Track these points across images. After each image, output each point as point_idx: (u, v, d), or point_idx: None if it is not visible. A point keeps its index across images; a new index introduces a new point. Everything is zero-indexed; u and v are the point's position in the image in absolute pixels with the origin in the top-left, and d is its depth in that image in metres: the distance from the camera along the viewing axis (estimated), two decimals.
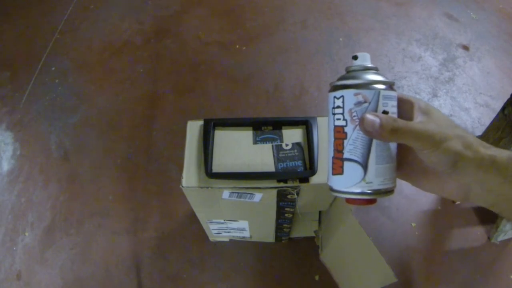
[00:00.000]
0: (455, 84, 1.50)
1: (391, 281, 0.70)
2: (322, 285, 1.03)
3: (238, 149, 0.74)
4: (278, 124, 0.77)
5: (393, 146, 0.35)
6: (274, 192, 0.72)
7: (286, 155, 0.73)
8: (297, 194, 0.72)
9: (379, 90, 0.34)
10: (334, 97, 0.35)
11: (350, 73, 0.37)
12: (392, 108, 0.34)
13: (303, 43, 1.63)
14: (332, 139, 0.36)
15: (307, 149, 0.73)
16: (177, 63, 1.57)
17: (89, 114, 1.42)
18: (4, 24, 1.75)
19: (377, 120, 0.31)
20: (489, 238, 1.11)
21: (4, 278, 1.07)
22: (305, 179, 0.70)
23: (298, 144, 0.74)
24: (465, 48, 1.62)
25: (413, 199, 1.19)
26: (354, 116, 0.34)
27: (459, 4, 1.80)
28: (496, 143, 1.00)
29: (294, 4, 1.80)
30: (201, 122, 0.77)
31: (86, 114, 1.42)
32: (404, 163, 0.36)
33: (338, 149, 0.35)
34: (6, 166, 1.29)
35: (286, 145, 0.74)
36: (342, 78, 0.36)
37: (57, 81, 1.52)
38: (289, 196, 0.73)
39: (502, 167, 0.30)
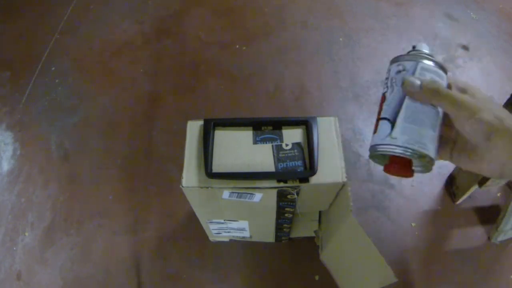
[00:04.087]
0: None
1: (391, 281, 0.70)
2: (322, 285, 1.03)
3: (238, 149, 0.74)
4: (278, 124, 0.77)
5: (429, 112, 0.37)
6: (274, 192, 0.72)
7: (286, 155, 0.73)
8: (297, 194, 0.72)
9: (418, 61, 0.38)
10: (387, 71, 0.40)
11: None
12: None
13: (303, 43, 1.63)
14: (379, 105, 0.40)
15: (307, 149, 0.73)
16: (177, 63, 1.57)
17: (89, 114, 1.42)
18: (4, 24, 1.74)
19: (416, 81, 0.36)
20: (489, 238, 1.11)
21: (4, 278, 1.07)
22: (305, 179, 0.70)
23: (298, 144, 0.74)
24: (465, 48, 1.62)
25: (413, 199, 1.19)
26: (393, 81, 0.39)
27: (459, 4, 1.80)
28: None
29: (294, 4, 1.80)
30: (201, 122, 0.77)
31: (86, 114, 1.42)
32: (448, 140, 0.39)
33: (379, 112, 0.39)
34: (6, 166, 1.29)
35: (286, 145, 0.74)
36: None
37: (57, 81, 1.52)
38: (289, 196, 0.73)
39: None
